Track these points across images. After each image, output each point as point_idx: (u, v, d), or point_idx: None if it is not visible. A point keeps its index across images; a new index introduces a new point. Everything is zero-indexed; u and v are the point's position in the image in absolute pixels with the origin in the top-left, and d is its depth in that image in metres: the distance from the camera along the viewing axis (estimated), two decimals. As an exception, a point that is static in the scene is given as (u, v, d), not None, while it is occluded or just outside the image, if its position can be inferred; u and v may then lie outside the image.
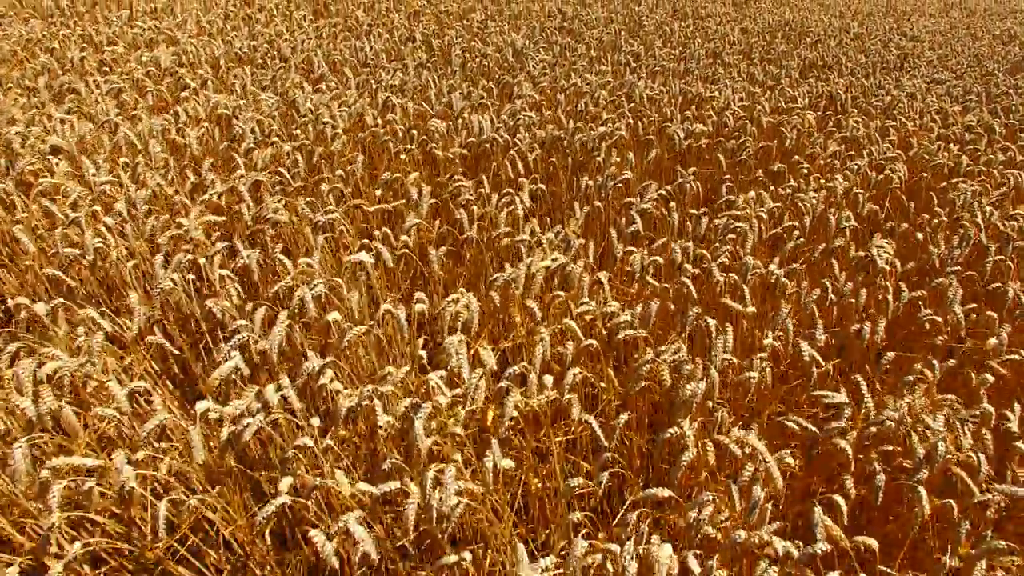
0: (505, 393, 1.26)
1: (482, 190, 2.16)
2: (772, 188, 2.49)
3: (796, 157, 2.80)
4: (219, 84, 3.02)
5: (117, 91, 2.75)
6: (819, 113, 3.52)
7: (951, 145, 3.04)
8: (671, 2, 6.51)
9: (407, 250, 1.76)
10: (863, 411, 1.34)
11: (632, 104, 3.10)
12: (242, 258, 1.68)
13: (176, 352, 1.47)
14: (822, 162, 2.76)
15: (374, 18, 4.52)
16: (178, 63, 3.26)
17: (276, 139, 2.34)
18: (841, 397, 1.32)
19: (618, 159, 2.53)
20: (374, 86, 2.99)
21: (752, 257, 1.84)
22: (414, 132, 2.52)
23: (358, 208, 2.00)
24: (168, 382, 1.57)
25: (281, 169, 2.07)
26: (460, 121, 2.63)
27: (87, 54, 3.12)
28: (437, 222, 1.99)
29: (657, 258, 1.77)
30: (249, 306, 1.51)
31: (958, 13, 9.37)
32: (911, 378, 1.50)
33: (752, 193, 2.28)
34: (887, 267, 1.90)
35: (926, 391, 1.46)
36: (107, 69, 3.07)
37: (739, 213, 2.11)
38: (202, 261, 1.60)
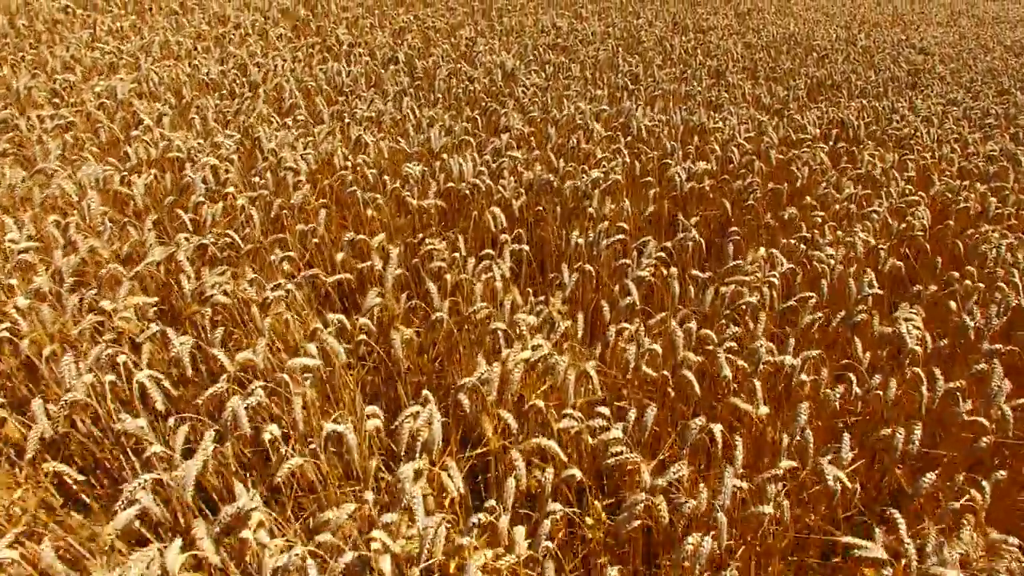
0: (470, 550, 1.03)
1: (461, 248, 1.94)
2: (784, 240, 2.26)
3: (808, 199, 2.58)
4: (179, 118, 2.79)
5: (64, 127, 2.53)
6: (831, 144, 3.30)
7: (976, 184, 2.82)
8: (671, 14, 6.30)
9: (365, 337, 1.54)
10: (903, 562, 1.12)
11: (629, 137, 2.87)
12: (174, 347, 1.46)
13: (78, 478, 1.24)
14: (837, 206, 2.53)
15: (356, 36, 4.29)
16: (138, 92, 3.03)
17: (232, 189, 2.11)
18: (876, 550, 1.09)
19: (613, 206, 2.31)
20: (347, 120, 2.76)
21: (764, 339, 1.61)
22: (387, 178, 2.30)
23: (317, 277, 1.77)
24: (70, 513, 1.34)
25: (231, 232, 1.84)
26: (438, 164, 2.40)
27: (36, 83, 2.90)
28: (405, 295, 1.76)
29: (655, 346, 1.54)
30: (172, 420, 1.28)
31: (967, 22, 9.17)
32: (956, 505, 1.27)
33: (762, 250, 2.05)
34: (917, 347, 1.67)
35: (976, 524, 1.23)
36: (58, 101, 2.85)
37: (747, 278, 1.88)
38: (121, 359, 1.37)
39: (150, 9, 4.21)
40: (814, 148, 3.05)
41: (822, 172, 2.83)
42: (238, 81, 3.22)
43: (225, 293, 1.62)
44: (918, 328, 1.75)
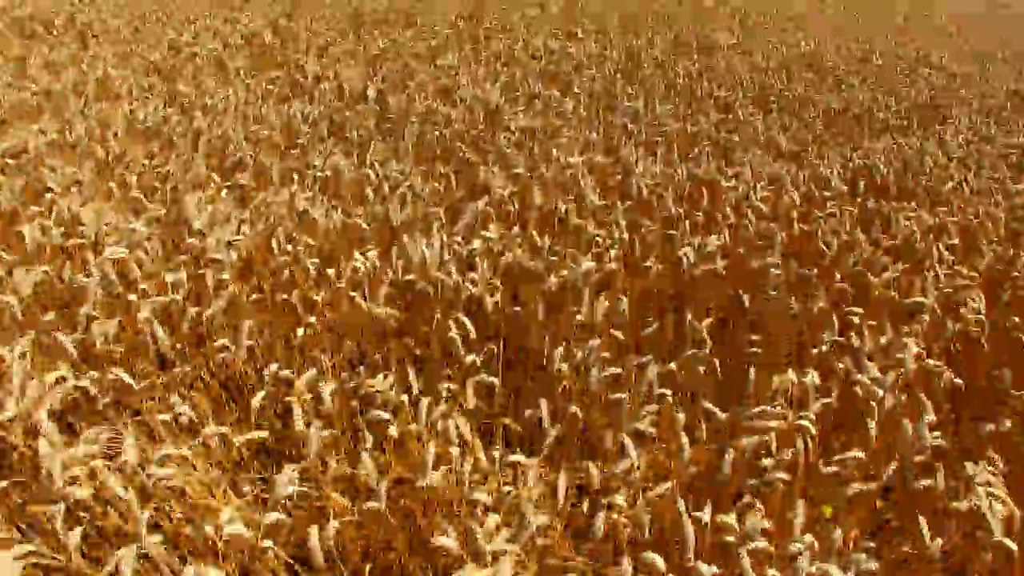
0: None
1: (412, 382, 1.56)
2: (814, 347, 1.88)
3: (840, 281, 2.19)
4: (99, 179, 2.41)
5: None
6: (858, 198, 2.91)
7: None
8: (673, 32, 5.92)
9: (272, 547, 1.15)
10: None
11: (628, 202, 2.49)
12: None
13: None
14: (877, 292, 2.15)
15: (325, 67, 3.91)
16: (59, 143, 2.65)
17: (134, 296, 1.72)
18: None
19: (607, 302, 1.92)
20: (295, 185, 2.37)
21: (801, 537, 1.23)
22: (332, 271, 1.91)
23: (223, 437, 1.38)
24: None
25: (118, 370, 1.45)
26: (397, 249, 2.01)
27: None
28: (335, 461, 1.38)
29: (657, 560, 1.16)
30: None
31: (985, 32, 8.79)
32: None
33: (789, 375, 1.66)
34: (1004, 538, 1.29)
35: None
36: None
37: (773, 424, 1.50)
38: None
39: (95, 37, 3.82)
40: (840, 206, 2.67)
41: (851, 242, 2.44)
42: (181, 127, 2.83)
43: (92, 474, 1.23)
44: (1001, 501, 1.37)
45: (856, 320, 1.98)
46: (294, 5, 5.14)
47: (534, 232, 2.17)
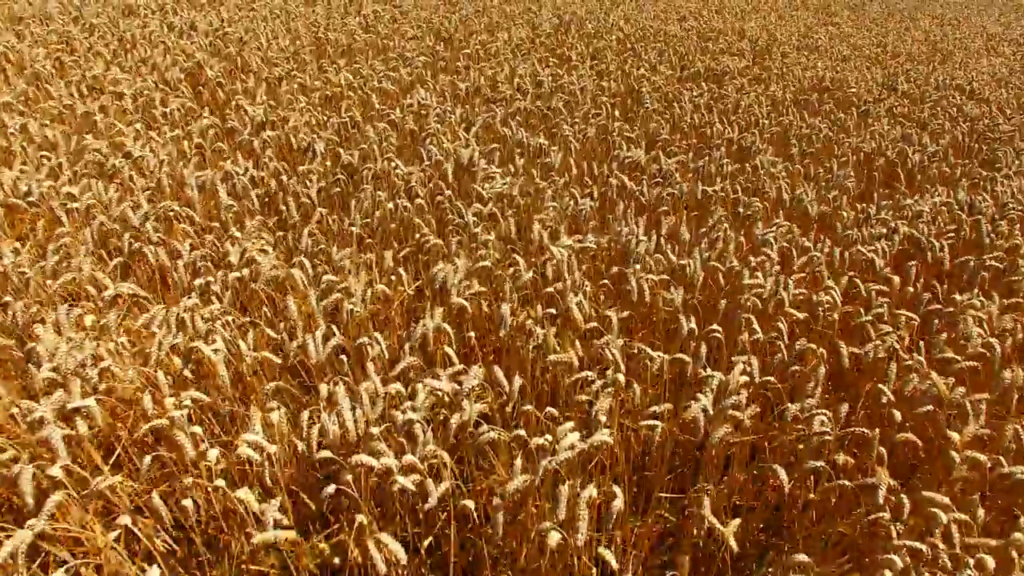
0: None
1: None
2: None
3: (903, 429, 1.68)
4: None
5: None
6: (907, 281, 2.40)
7: None
8: (677, 55, 5.40)
9: None
10: None
11: (625, 314, 1.97)
12: None
13: None
14: (957, 461, 1.63)
15: (273, 108, 3.39)
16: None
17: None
18: None
19: (596, 491, 1.40)
20: (191, 299, 1.85)
21: None
22: (218, 450, 1.39)
23: None
24: None
25: None
26: (309, 414, 1.49)
27: None
28: None
29: None
30: None
31: (1009, 48, 8.28)
32: None
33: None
34: None
35: None
36: None
37: None
38: None
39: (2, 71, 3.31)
40: (891, 307, 2.16)
41: (913, 367, 1.92)
42: (67, 204, 2.32)
43: None
44: None
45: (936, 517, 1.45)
46: (250, 30, 4.63)
47: (499, 372, 1.65)
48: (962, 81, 5.90)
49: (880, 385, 1.76)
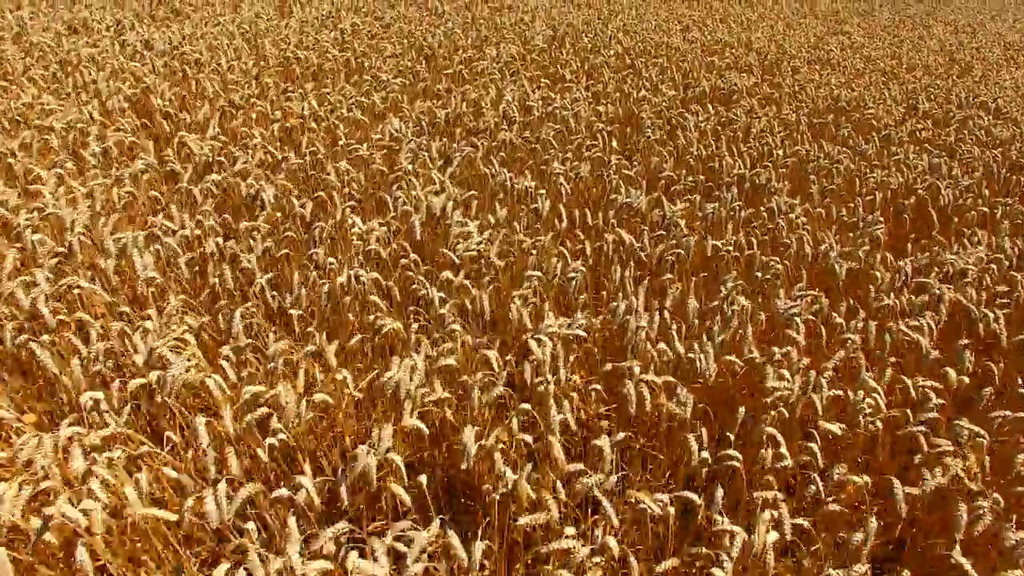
0: None
1: None
2: None
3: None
4: None
5: None
6: (963, 374, 2.02)
7: None
8: (681, 72, 5.02)
9: None
10: None
11: (623, 434, 1.59)
12: None
13: None
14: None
15: (223, 144, 3.00)
16: None
17: None
18: None
19: None
20: (73, 435, 1.46)
21: None
22: None
23: None
24: None
25: None
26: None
27: None
28: None
29: None
30: None
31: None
32: None
33: None
34: None
35: None
36: None
37: None
38: None
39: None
40: (946, 416, 1.78)
41: (969, 485, 1.54)
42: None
43: None
44: None
45: None
46: (214, 48, 4.25)
47: (453, 539, 1.26)
48: (986, 98, 5.53)
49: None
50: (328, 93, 3.70)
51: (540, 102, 3.91)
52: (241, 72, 3.88)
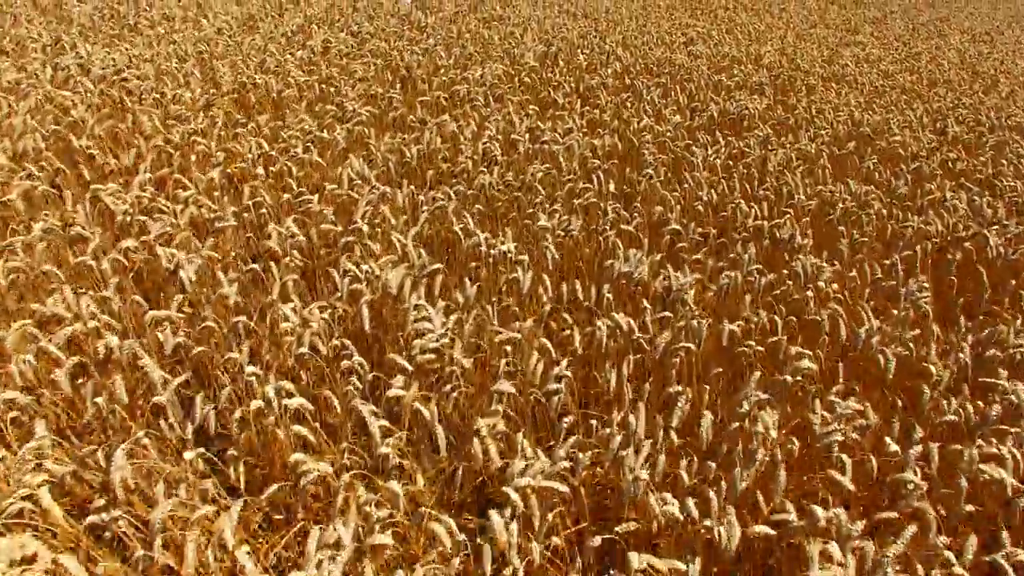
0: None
1: None
2: None
3: None
4: None
5: None
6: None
7: None
8: (687, 94, 4.58)
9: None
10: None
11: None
12: None
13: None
14: None
15: (144, 204, 2.56)
16: None
17: None
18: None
19: None
20: None
21: None
22: None
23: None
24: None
25: None
26: None
27: None
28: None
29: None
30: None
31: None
32: None
33: None
34: None
35: None
36: None
37: None
38: None
39: None
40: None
41: None
42: None
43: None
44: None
45: None
46: (166, 72, 3.81)
47: None
48: (1021, 119, 5.09)
49: None
50: (283, 127, 3.26)
51: (527, 135, 3.46)
52: (189, 102, 3.44)
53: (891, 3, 12.50)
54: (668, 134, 3.79)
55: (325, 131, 3.22)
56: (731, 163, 3.61)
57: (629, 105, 4.29)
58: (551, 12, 7.21)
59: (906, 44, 8.00)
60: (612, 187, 3.10)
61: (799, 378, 1.92)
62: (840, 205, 3.17)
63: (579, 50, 5.59)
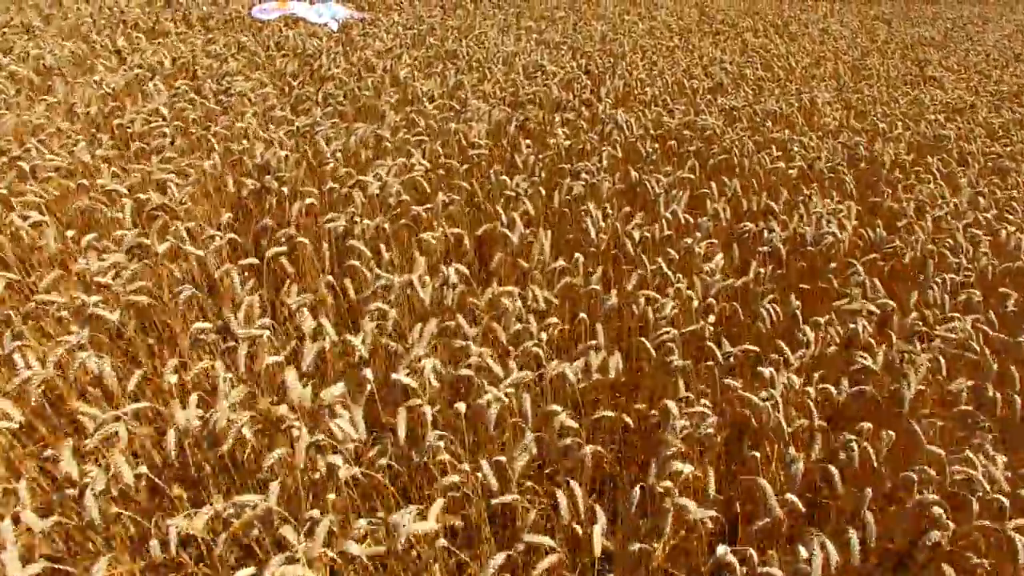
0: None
1: None
2: None
3: None
4: None
5: None
6: None
7: None
8: (722, 193, 2.88)
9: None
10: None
11: None
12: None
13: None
14: None
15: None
16: None
17: None
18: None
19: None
20: None
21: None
22: None
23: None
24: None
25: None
26: None
27: None
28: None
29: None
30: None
31: None
32: None
33: None
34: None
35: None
36: None
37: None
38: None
39: None
40: None
41: None
42: None
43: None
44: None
45: None
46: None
47: None
48: None
49: None
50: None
51: (434, 369, 1.74)
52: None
53: (942, 14, 10.81)
54: (708, 325, 2.08)
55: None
56: (838, 396, 1.91)
57: (634, 234, 2.57)
58: (526, 43, 5.51)
59: (987, 76, 6.30)
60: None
61: None
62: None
63: (562, 108, 3.90)
